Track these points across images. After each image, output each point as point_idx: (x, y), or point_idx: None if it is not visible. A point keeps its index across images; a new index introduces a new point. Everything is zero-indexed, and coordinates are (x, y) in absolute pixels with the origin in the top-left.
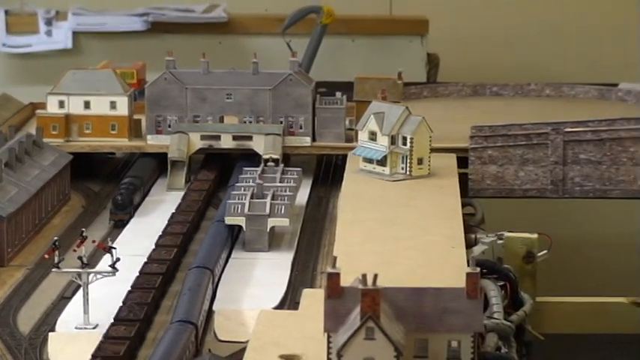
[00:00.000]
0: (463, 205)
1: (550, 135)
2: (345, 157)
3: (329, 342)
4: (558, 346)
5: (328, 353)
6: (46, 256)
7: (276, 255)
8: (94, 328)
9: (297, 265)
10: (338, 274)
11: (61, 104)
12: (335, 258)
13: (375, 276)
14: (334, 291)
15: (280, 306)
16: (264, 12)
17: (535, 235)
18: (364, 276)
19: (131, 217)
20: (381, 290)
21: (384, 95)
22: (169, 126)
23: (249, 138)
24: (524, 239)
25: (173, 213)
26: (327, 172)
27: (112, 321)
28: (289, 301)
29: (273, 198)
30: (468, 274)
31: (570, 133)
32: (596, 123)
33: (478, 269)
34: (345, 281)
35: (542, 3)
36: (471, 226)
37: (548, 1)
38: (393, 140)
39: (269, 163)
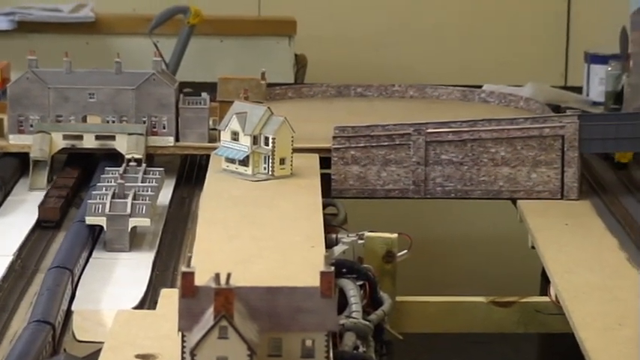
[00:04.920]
0: (326, 206)
1: (412, 136)
2: (208, 157)
3: (183, 341)
4: (418, 345)
5: (182, 352)
6: None
7: (137, 255)
8: None
9: (158, 265)
10: (192, 274)
11: None
12: (190, 257)
13: (229, 275)
14: (188, 290)
15: (140, 306)
16: (132, 12)
17: (395, 235)
18: (217, 275)
19: None
20: (235, 289)
21: (246, 95)
22: (31, 125)
23: (112, 138)
24: (385, 239)
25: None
26: (191, 172)
27: None
28: (149, 300)
29: (134, 198)
30: (322, 273)
31: (432, 133)
32: (458, 124)
33: (332, 268)
34: (203, 280)
35: (409, 5)
36: (333, 226)
37: (415, 3)
38: (255, 140)
39: (131, 163)
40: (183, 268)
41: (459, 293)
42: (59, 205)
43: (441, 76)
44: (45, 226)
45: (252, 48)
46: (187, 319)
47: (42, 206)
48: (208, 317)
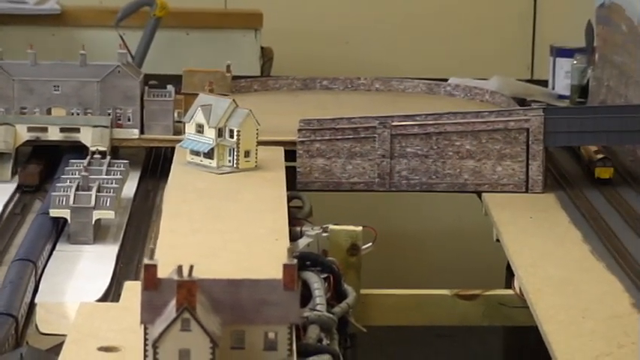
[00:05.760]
0: (291, 198)
1: (377, 129)
2: (173, 149)
3: (145, 334)
4: (383, 337)
5: (145, 345)
6: None
7: (101, 247)
8: None
9: (122, 258)
10: (154, 266)
11: None
12: (152, 249)
13: (191, 267)
14: (151, 283)
15: (104, 298)
16: (99, 4)
17: (360, 228)
18: (180, 267)
19: None
20: (197, 282)
21: (211, 88)
22: None
23: (77, 130)
24: (349, 232)
25: None
26: (156, 165)
27: None
28: (113, 293)
29: (98, 190)
30: (285, 266)
31: (397, 127)
32: (423, 117)
33: (295, 261)
34: (166, 273)
35: None
36: (298, 219)
37: None
38: (219, 133)
39: (96, 156)
40: (146, 261)
41: (424, 286)
42: (38, 170)
43: (407, 69)
44: (26, 191)
45: (219, 41)
46: (150, 312)
47: (22, 172)
48: (171, 310)
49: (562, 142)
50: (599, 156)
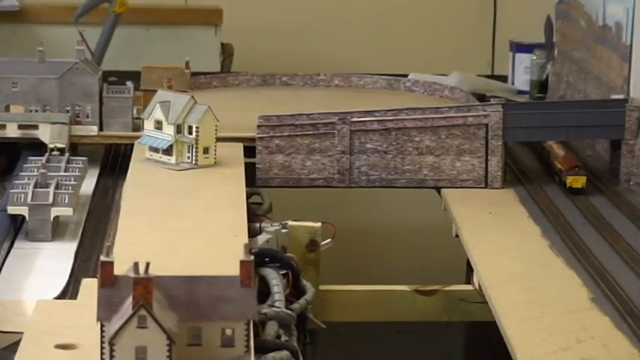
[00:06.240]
0: (250, 195)
1: (337, 125)
2: (133, 146)
3: (102, 331)
4: (342, 334)
5: (102, 342)
6: None
7: (60, 245)
8: None
9: (81, 255)
10: (111, 263)
11: None
12: (109, 247)
13: (148, 264)
14: (107, 280)
15: (62, 296)
16: (58, 0)
17: (318, 224)
18: (136, 264)
19: None
20: (154, 279)
21: (169, 84)
22: None
23: (35, 127)
24: (308, 228)
25: None
26: (115, 162)
27: None
28: (71, 291)
29: (57, 187)
30: (242, 262)
31: (357, 122)
32: (382, 113)
33: (252, 257)
34: (124, 270)
35: None
36: (257, 216)
37: None
38: (178, 129)
39: (54, 152)
40: (103, 258)
41: (383, 282)
42: None
43: (367, 65)
44: None
45: (179, 37)
46: (106, 309)
47: None
48: (127, 307)
49: (521, 138)
50: (571, 165)
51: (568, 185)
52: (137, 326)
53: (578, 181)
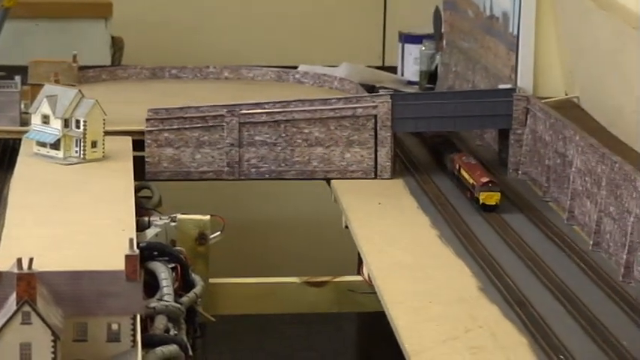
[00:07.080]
0: (140, 188)
1: (226, 117)
2: (21, 141)
3: None
4: (234, 326)
5: None
6: None
7: None
8: None
9: None
10: None
11: None
12: None
13: (31, 260)
14: None
15: None
16: None
17: (207, 217)
18: (20, 260)
19: None
20: (38, 274)
21: (56, 78)
22: None
23: None
24: (197, 221)
25: None
26: (3, 157)
27: None
28: None
29: None
30: (127, 257)
31: (246, 115)
32: (271, 105)
33: (137, 251)
34: (9, 266)
35: None
36: (146, 209)
37: None
38: (66, 123)
39: None
40: None
41: (274, 275)
42: None
43: (257, 57)
44: None
45: (69, 31)
46: None
47: None
48: (11, 303)
49: (410, 128)
50: (484, 180)
51: (481, 202)
52: (21, 322)
53: (492, 198)
